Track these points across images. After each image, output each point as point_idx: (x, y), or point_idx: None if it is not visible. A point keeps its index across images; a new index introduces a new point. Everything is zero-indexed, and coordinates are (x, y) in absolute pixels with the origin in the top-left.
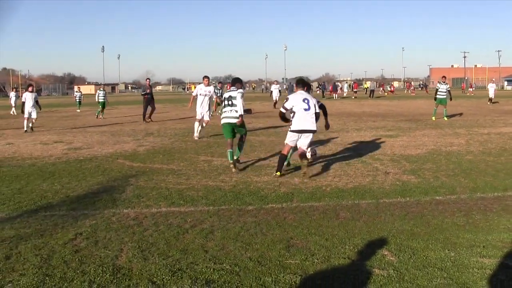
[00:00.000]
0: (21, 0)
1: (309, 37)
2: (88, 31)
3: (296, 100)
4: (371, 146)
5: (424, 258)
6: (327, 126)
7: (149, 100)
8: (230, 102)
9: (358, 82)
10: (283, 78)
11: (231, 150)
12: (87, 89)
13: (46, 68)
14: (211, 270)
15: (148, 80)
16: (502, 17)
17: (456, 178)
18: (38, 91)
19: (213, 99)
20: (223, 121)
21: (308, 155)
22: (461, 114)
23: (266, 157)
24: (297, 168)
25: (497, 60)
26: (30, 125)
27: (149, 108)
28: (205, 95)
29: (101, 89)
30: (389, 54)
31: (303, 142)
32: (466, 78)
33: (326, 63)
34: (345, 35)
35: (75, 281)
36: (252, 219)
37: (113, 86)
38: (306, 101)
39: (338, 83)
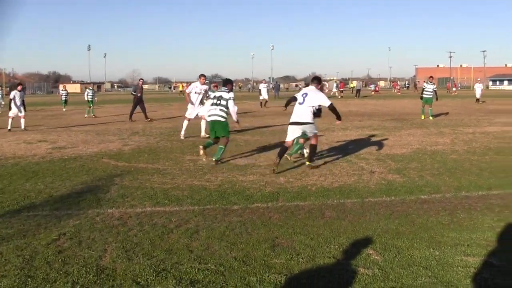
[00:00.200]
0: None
1: (296, 37)
2: (74, 29)
3: (299, 94)
4: (356, 145)
5: (409, 257)
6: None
7: (139, 100)
8: (218, 102)
9: (345, 82)
10: (269, 78)
11: (211, 141)
12: (72, 88)
13: (31, 67)
14: (196, 270)
15: (141, 80)
16: (487, 18)
17: (441, 177)
18: (23, 90)
19: (205, 99)
20: (210, 118)
21: (304, 151)
22: (446, 113)
23: (251, 157)
24: (286, 166)
25: (482, 60)
26: (23, 125)
27: (138, 109)
28: (200, 93)
29: (90, 88)
30: (376, 54)
31: (305, 129)
32: (451, 78)
33: (312, 62)
34: (332, 35)
35: (58, 282)
36: (237, 219)
37: (99, 85)
38: (304, 95)
39: (325, 82)
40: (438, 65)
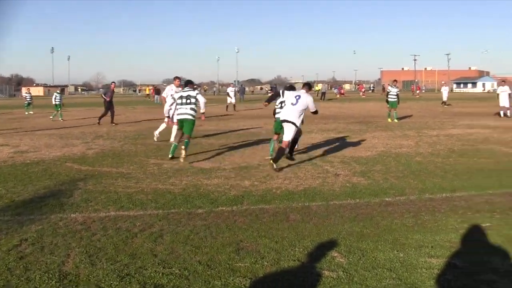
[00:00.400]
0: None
1: (261, 40)
2: (37, 31)
3: (291, 96)
4: (321, 148)
5: (373, 259)
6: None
7: (109, 104)
8: (188, 101)
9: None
10: (234, 81)
11: (176, 144)
12: (35, 91)
13: None
14: (160, 274)
15: (113, 84)
16: (451, 21)
17: (405, 179)
18: None
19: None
20: (178, 117)
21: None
22: (411, 116)
23: (216, 160)
24: (251, 169)
25: (446, 63)
26: None
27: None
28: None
29: (58, 91)
30: (341, 57)
31: (286, 132)
32: (416, 81)
33: (277, 65)
34: (297, 38)
35: None
36: (202, 222)
37: (63, 88)
38: (297, 97)
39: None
40: (403, 68)
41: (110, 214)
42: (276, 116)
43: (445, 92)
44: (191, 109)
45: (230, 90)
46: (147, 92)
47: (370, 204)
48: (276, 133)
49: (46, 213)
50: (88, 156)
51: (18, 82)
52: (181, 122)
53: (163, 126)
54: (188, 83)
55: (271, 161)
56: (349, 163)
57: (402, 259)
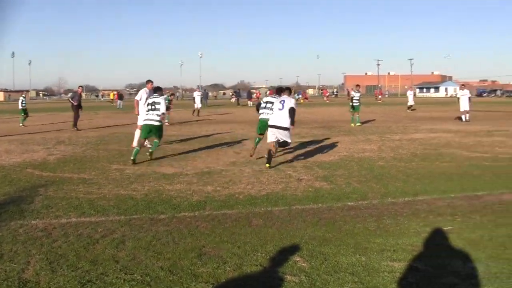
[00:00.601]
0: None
1: (225, 45)
2: None
3: (276, 101)
4: (284, 153)
5: (336, 263)
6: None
7: (77, 108)
8: (153, 107)
9: (273, 90)
10: (198, 86)
11: (138, 148)
12: None
13: None
14: (122, 280)
15: (80, 88)
16: (414, 26)
17: (367, 184)
18: None
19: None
20: (144, 122)
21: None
22: (374, 120)
23: (179, 165)
24: (214, 174)
25: (409, 67)
26: None
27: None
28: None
29: (23, 95)
30: (304, 62)
31: (279, 136)
32: (379, 85)
33: (241, 70)
34: (260, 43)
35: None
36: (164, 228)
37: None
38: (282, 102)
39: (254, 90)
40: (366, 73)
41: (72, 220)
42: (260, 117)
43: (410, 96)
44: (157, 115)
45: (196, 95)
46: (112, 97)
47: (332, 209)
48: (260, 134)
49: (6, 220)
50: (50, 162)
51: None
52: (148, 128)
53: (138, 132)
54: (157, 90)
55: (266, 165)
56: (311, 168)
57: (364, 263)
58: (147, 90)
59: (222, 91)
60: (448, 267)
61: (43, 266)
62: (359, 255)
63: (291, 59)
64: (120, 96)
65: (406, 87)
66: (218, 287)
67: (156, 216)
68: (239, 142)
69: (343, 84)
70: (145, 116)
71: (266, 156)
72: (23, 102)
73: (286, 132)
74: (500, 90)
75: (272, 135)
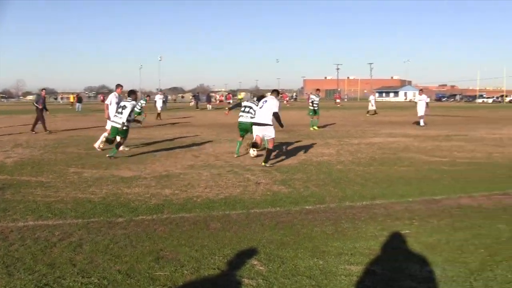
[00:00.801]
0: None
1: (184, 48)
2: None
3: (260, 102)
4: (242, 156)
5: (293, 267)
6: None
7: (42, 111)
8: (121, 110)
9: (233, 93)
10: (157, 89)
11: (114, 149)
12: None
13: None
14: (79, 284)
15: (43, 91)
16: (374, 31)
17: (326, 187)
18: None
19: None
20: (112, 124)
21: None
22: (333, 124)
23: (137, 169)
24: (172, 178)
25: (369, 72)
26: None
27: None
28: (118, 103)
29: None
30: (264, 65)
31: (264, 132)
32: (338, 90)
33: (200, 74)
34: (219, 47)
35: None
36: (122, 232)
37: None
38: (264, 102)
39: (213, 93)
40: (325, 77)
41: (29, 223)
42: (239, 120)
43: (372, 101)
44: (120, 117)
45: (158, 98)
46: (72, 100)
47: (290, 212)
48: (241, 136)
49: None
50: (7, 165)
51: None
52: (113, 129)
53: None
54: (131, 93)
55: (263, 163)
56: (270, 172)
57: (322, 266)
58: (117, 94)
59: (180, 95)
60: (406, 270)
61: None
62: (317, 258)
63: (251, 62)
64: (79, 99)
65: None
66: None
67: (114, 220)
68: (198, 145)
69: (302, 88)
70: (113, 118)
71: (251, 142)
72: None
73: (270, 128)
74: (459, 95)
75: (256, 131)
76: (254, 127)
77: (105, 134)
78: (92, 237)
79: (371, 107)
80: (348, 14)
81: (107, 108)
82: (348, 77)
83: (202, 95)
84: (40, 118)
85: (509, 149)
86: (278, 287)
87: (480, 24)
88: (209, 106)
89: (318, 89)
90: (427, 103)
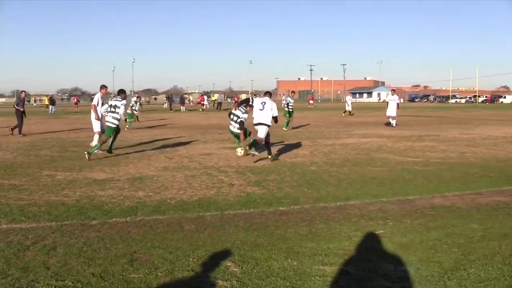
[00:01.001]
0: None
1: (157, 50)
2: None
3: (257, 102)
4: (216, 158)
5: (267, 268)
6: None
7: (22, 113)
8: (113, 110)
9: (206, 95)
10: (131, 91)
11: (99, 145)
12: None
13: None
14: (53, 287)
15: (23, 93)
16: (347, 32)
17: (299, 188)
18: None
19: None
20: (106, 124)
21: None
22: (306, 125)
23: (110, 171)
24: (146, 180)
25: (342, 73)
26: None
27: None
28: (103, 104)
29: None
30: (237, 67)
31: (260, 132)
32: (312, 91)
33: (174, 75)
34: (193, 48)
35: None
36: (95, 234)
37: None
38: (263, 103)
39: (186, 95)
40: (299, 78)
41: (1, 227)
42: (230, 128)
43: (349, 101)
44: (113, 117)
45: (134, 101)
46: (46, 102)
47: (264, 214)
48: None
49: None
50: None
51: None
52: (108, 129)
53: (97, 137)
54: (120, 93)
55: (247, 147)
56: (244, 173)
57: (296, 267)
58: (101, 95)
59: (154, 96)
60: (380, 270)
61: None
62: (291, 259)
63: (224, 64)
64: (52, 101)
65: (339, 92)
66: None
67: (88, 222)
68: (171, 147)
69: (276, 89)
70: (106, 118)
71: (251, 141)
72: None
73: (265, 128)
74: (433, 95)
75: (260, 132)
76: (256, 126)
77: (97, 136)
78: (65, 240)
79: (348, 107)
80: (321, 15)
81: (95, 109)
82: (321, 78)
83: (175, 97)
84: (20, 119)
85: (482, 149)
86: None
87: (453, 25)
88: (182, 108)
89: (293, 91)
90: (398, 104)
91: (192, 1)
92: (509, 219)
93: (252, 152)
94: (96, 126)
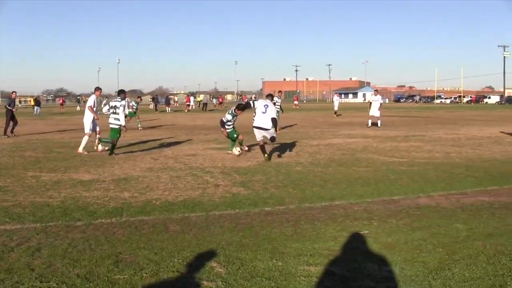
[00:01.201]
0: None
1: (143, 51)
2: None
3: (260, 104)
4: (202, 159)
5: (253, 268)
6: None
7: (12, 113)
8: (114, 111)
9: (192, 95)
10: (116, 92)
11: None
12: None
13: None
14: None
15: (14, 93)
16: (333, 32)
17: (285, 189)
18: None
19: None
20: (110, 126)
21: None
22: (292, 126)
23: (96, 172)
24: (131, 181)
25: (327, 73)
26: None
27: (11, 123)
28: (96, 105)
29: None
30: (223, 67)
31: (266, 135)
32: (298, 91)
33: (159, 76)
34: (179, 49)
35: None
36: (80, 235)
37: None
38: (265, 106)
39: (171, 96)
40: (285, 79)
41: None
42: (229, 130)
43: (336, 102)
44: (115, 119)
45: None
46: (32, 103)
47: (249, 214)
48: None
49: None
50: None
51: None
52: (112, 131)
53: (86, 139)
54: (120, 93)
55: (266, 156)
56: (229, 174)
57: (281, 267)
58: (95, 97)
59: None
60: (364, 270)
61: None
62: (276, 260)
63: (210, 65)
64: (37, 102)
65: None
66: None
67: (73, 223)
68: (156, 148)
69: (261, 89)
70: (109, 120)
71: (261, 145)
72: None
73: (271, 131)
74: (418, 95)
75: (259, 134)
76: (256, 130)
77: (86, 137)
78: (50, 241)
79: (335, 107)
80: (306, 16)
81: (92, 110)
82: (307, 79)
83: (161, 98)
84: (8, 120)
85: (467, 149)
86: None
87: (437, 25)
88: (168, 109)
89: (280, 91)
90: (380, 104)
91: (178, 2)
92: (493, 219)
93: (237, 152)
94: (87, 127)
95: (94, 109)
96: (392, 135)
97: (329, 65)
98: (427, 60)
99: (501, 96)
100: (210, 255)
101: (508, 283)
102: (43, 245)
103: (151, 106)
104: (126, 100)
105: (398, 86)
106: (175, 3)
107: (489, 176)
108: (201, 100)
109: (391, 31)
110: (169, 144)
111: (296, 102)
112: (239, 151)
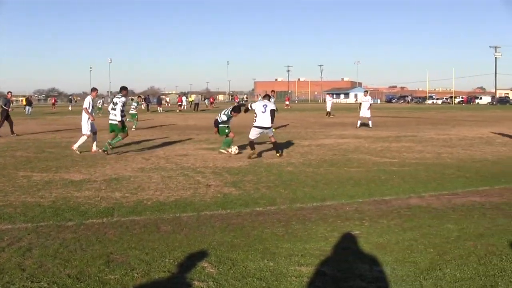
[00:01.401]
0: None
1: (135, 50)
2: None
3: (258, 105)
4: (193, 159)
5: (244, 268)
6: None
7: (7, 113)
8: (114, 107)
9: (184, 95)
10: (108, 92)
11: (110, 140)
12: None
13: None
14: None
15: (9, 93)
16: (324, 33)
17: (276, 189)
18: None
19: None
20: (109, 121)
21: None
22: (284, 126)
23: (87, 172)
24: (123, 181)
25: (319, 74)
26: None
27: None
28: (93, 107)
29: None
30: (214, 68)
31: (267, 133)
32: (289, 91)
33: (151, 76)
34: (170, 49)
35: None
36: (71, 235)
37: None
38: (264, 106)
39: (163, 96)
40: (276, 79)
41: None
42: (220, 125)
43: (329, 102)
44: (115, 115)
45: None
46: (24, 103)
47: (241, 214)
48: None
49: None
50: None
51: None
52: (110, 125)
53: (84, 139)
54: (122, 90)
55: (277, 154)
56: (220, 174)
57: (272, 268)
58: (91, 98)
59: (131, 97)
60: (356, 270)
61: None
62: (267, 260)
63: (201, 65)
64: (29, 102)
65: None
66: None
67: (64, 223)
68: (148, 148)
69: (253, 90)
70: (110, 116)
71: (250, 142)
72: None
73: (270, 129)
74: (410, 96)
75: (255, 133)
76: (254, 129)
77: (84, 137)
78: (41, 241)
79: (328, 108)
80: (298, 16)
81: (87, 112)
82: (298, 79)
83: (152, 98)
84: (3, 120)
85: (458, 149)
86: None
87: (429, 25)
88: (159, 109)
89: (273, 90)
90: (370, 104)
91: (169, 2)
92: (484, 219)
93: (235, 151)
94: (85, 128)
95: (90, 110)
96: (383, 135)
97: (320, 65)
98: (419, 60)
99: (493, 97)
100: (201, 255)
101: (499, 283)
102: (34, 245)
103: (143, 106)
104: (127, 98)
105: (390, 87)
106: (169, 3)
107: (480, 177)
108: (192, 100)
109: (383, 32)
110: (161, 144)
111: (287, 103)
112: (236, 150)
